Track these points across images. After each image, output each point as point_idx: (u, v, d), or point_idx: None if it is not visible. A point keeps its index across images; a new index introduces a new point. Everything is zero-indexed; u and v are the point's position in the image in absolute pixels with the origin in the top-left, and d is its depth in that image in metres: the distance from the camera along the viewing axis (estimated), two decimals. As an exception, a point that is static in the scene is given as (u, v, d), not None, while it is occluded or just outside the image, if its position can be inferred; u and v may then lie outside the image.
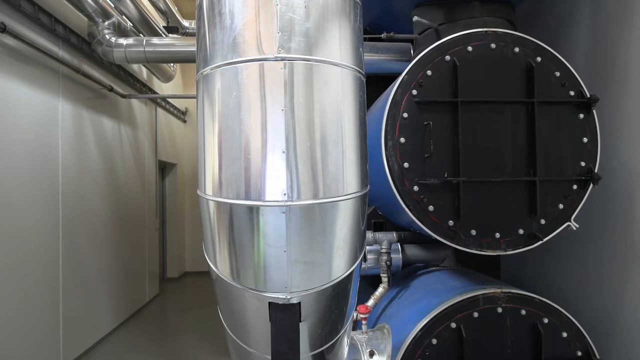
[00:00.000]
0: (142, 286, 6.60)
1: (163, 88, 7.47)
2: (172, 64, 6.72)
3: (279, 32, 1.35)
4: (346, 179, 1.43)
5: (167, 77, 6.88)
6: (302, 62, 1.36)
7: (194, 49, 4.63)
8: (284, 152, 1.31)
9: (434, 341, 2.29)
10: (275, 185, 1.32)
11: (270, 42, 1.35)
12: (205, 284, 8.21)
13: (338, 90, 1.45)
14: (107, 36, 4.81)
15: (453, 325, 2.31)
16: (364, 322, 2.39)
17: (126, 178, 6.05)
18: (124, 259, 5.86)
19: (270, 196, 1.32)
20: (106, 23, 4.80)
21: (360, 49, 1.61)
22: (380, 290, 2.73)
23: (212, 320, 5.99)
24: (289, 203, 1.32)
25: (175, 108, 8.39)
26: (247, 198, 1.33)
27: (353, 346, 2.23)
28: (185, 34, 6.35)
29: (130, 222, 6.14)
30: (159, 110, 7.57)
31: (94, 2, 4.51)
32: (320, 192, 1.37)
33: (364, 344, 2.30)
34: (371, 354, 2.30)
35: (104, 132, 5.40)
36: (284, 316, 1.36)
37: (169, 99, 7.79)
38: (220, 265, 1.51)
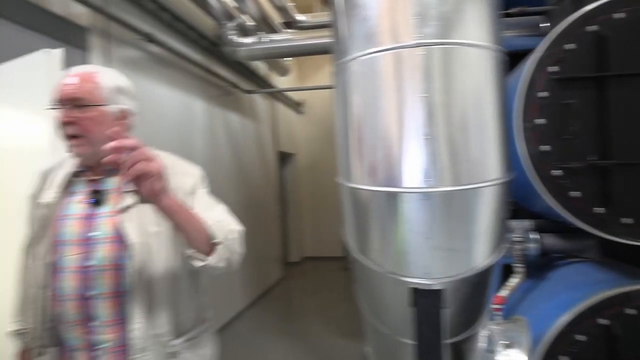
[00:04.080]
0: (268, 269, 7.07)
1: (280, 82, 7.82)
2: (288, 58, 7.01)
3: (414, 18, 1.34)
4: (488, 164, 1.38)
5: (284, 71, 7.19)
6: (439, 46, 1.34)
7: (310, 42, 4.75)
8: (424, 138, 1.31)
9: (581, 338, 2.12)
10: (415, 172, 1.32)
11: (407, 28, 1.34)
12: (324, 269, 8.52)
13: (477, 72, 1.39)
14: (232, 37, 5.17)
15: (602, 321, 2.11)
16: (498, 313, 2.29)
17: (251, 168, 6.48)
18: (253, 243, 6.30)
19: (411, 183, 1.32)
20: (231, 25, 5.15)
21: (498, 24, 1.52)
22: (514, 280, 2.59)
23: (334, 304, 6.21)
24: (429, 189, 1.31)
25: (292, 101, 8.75)
26: (387, 185, 1.35)
27: (488, 337, 2.16)
28: (300, 27, 6.56)
29: (256, 209, 6.58)
30: (278, 103, 7.96)
31: (219, 5, 4.86)
32: (461, 178, 1.34)
33: (500, 336, 2.21)
34: (507, 347, 2.20)
35: (230, 126, 5.84)
36: (427, 302, 1.36)
37: (286, 93, 8.14)
38: (361, 250, 1.55)
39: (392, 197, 1.36)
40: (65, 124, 1.35)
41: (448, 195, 1.33)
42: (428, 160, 1.32)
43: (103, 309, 1.34)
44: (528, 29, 3.57)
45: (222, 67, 5.54)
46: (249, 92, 6.36)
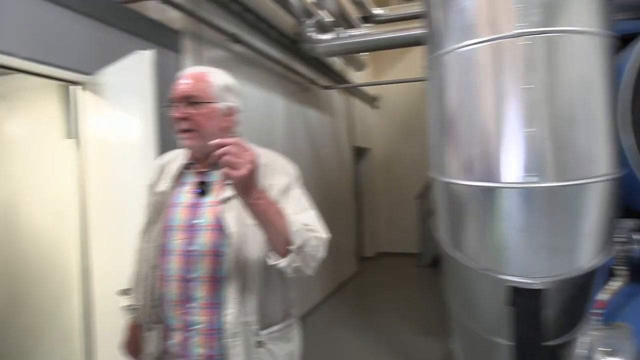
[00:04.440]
0: (343, 263, 7.13)
1: (355, 77, 7.82)
2: (365, 53, 6.99)
3: (516, 6, 1.29)
4: (597, 159, 1.30)
5: (360, 66, 7.18)
6: (543, 35, 1.27)
7: (388, 35, 4.67)
8: (525, 131, 1.25)
9: (697, 349, 1.93)
10: (515, 167, 1.27)
11: (507, 18, 1.30)
12: (399, 265, 8.44)
13: (585, 61, 1.31)
14: (311, 34, 5.25)
15: None
16: (598, 318, 2.14)
17: (327, 163, 6.56)
18: (331, 237, 6.40)
19: (511, 178, 1.28)
20: (310, 22, 5.23)
21: (607, 7, 1.42)
22: (616, 283, 2.40)
23: (410, 300, 6.14)
24: (531, 185, 1.26)
25: (368, 95, 8.72)
26: (485, 180, 1.32)
27: (587, 343, 2.03)
28: (378, 21, 6.51)
29: (332, 204, 6.66)
30: (353, 98, 7.97)
31: (299, 3, 4.95)
32: (566, 173, 1.27)
33: (600, 343, 2.07)
34: (608, 355, 2.06)
35: (308, 122, 5.95)
36: (526, 302, 1.31)
37: (361, 87, 8.13)
38: (455, 245, 1.52)
39: (490, 193, 1.32)
40: (180, 119, 1.47)
41: (552, 191, 1.27)
42: (529, 155, 1.27)
43: (200, 292, 1.44)
44: (635, 11, 3.27)
45: (300, 64, 5.65)
46: (326, 87, 6.43)
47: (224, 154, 1.19)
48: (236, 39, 3.97)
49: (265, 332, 1.46)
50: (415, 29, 5.17)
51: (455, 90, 1.38)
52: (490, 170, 1.31)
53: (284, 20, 5.19)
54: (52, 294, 3.55)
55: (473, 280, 1.50)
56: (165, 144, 3.18)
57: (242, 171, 1.18)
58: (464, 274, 1.53)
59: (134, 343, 1.67)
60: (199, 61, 3.57)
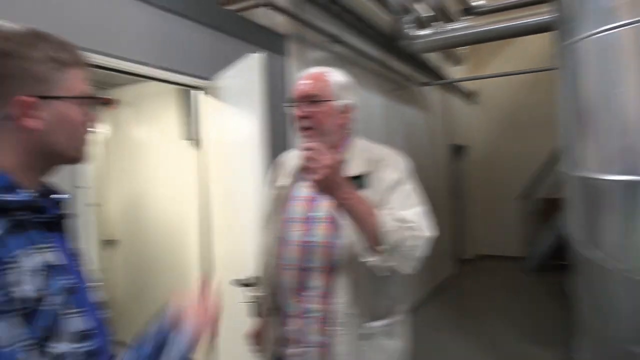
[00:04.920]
0: (441, 265, 6.94)
1: (453, 73, 7.57)
2: (463, 48, 6.74)
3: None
4: None
5: (457, 61, 6.95)
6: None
7: (490, 27, 4.44)
8: (680, 120, 1.14)
9: None
10: (668, 160, 1.16)
11: (657, -5, 1.18)
12: (501, 269, 8.02)
13: None
14: (409, 30, 5.19)
15: None
16: None
17: (424, 161, 6.42)
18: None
19: (662, 172, 1.16)
20: (407, 18, 5.17)
21: None
22: None
23: (515, 307, 5.81)
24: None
25: (465, 91, 8.40)
26: (630, 173, 1.21)
27: None
28: (478, 13, 6.25)
29: (428, 203, 6.49)
30: (450, 94, 7.73)
31: (398, 0, 4.91)
32: None
33: None
34: None
35: (406, 119, 5.88)
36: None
37: (459, 83, 7.85)
38: (590, 245, 1.42)
39: (634, 187, 1.21)
40: (300, 118, 1.55)
41: None
42: (685, 146, 1.14)
43: (316, 281, 1.51)
44: None
45: (397, 61, 5.60)
46: (424, 84, 6.30)
47: (307, 158, 1.28)
48: (336, 40, 4.04)
49: (373, 325, 1.49)
50: (518, 19, 4.89)
51: (592, 79, 1.29)
52: (635, 164, 1.20)
53: (381, 18, 5.18)
54: (174, 284, 3.88)
55: (611, 283, 1.38)
56: (275, 143, 3.35)
57: (317, 176, 1.26)
58: (600, 276, 1.41)
59: (260, 333, 1.78)
60: (303, 63, 3.69)
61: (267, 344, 1.67)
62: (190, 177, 3.50)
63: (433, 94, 7.03)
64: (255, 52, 2.49)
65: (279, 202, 1.65)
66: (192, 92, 2.96)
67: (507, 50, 8.29)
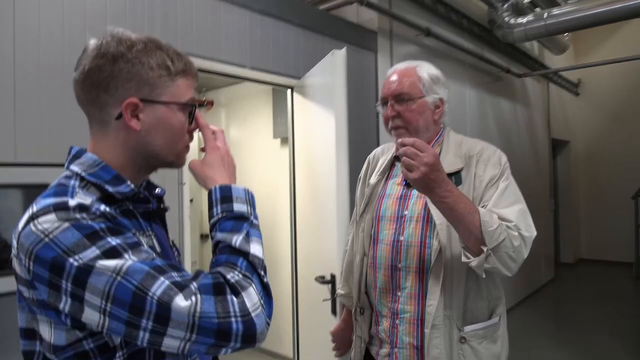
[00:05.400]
0: (538, 268, 6.49)
1: (554, 61, 7.00)
2: (566, 34, 6.18)
3: None
4: None
5: (560, 49, 6.40)
6: None
7: (594, 11, 4.01)
8: None
9: None
10: None
11: None
12: (605, 275, 7.31)
13: None
14: (506, 18, 4.87)
15: None
16: None
17: (522, 157, 6.02)
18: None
19: None
20: (505, 6, 4.85)
21: None
22: None
23: (622, 317, 5.27)
24: None
25: (567, 81, 7.74)
26: None
27: None
28: (584, -5, 5.70)
29: (527, 202, 6.09)
30: (551, 85, 7.16)
31: (494, -13, 4.63)
32: None
33: None
34: None
35: (501, 113, 5.54)
36: None
37: (560, 73, 7.24)
38: None
39: None
40: (390, 117, 1.50)
41: None
42: None
43: (408, 281, 1.46)
44: None
45: (492, 52, 5.29)
46: (521, 75, 5.90)
47: (404, 155, 1.23)
48: (428, 32, 3.91)
49: (468, 328, 1.41)
50: (628, 0, 4.35)
51: None
52: None
53: (476, 8, 4.92)
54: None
55: None
56: (366, 140, 3.33)
57: (415, 174, 1.22)
58: None
59: (345, 330, 1.77)
60: (393, 58, 3.61)
61: (354, 342, 1.66)
62: (281, 174, 3.59)
63: (533, 85, 6.56)
64: (342, 49, 2.46)
65: (371, 200, 1.62)
66: (284, 90, 3.01)
67: (615, 35, 7.50)
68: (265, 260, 0.84)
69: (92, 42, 0.83)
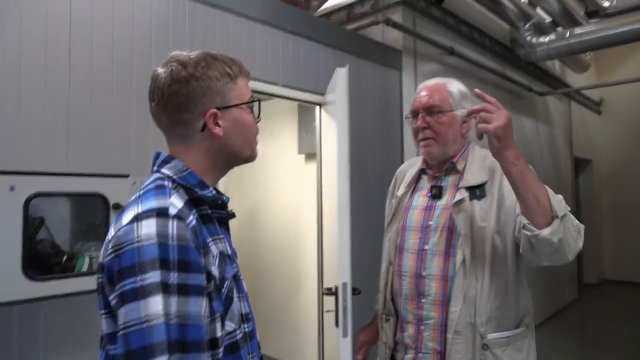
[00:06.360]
0: (561, 289, 6.40)
1: (575, 80, 7.00)
2: (588, 53, 6.19)
3: None
4: None
5: (582, 68, 6.40)
6: None
7: (616, 30, 4.04)
8: None
9: None
10: None
11: None
12: (631, 296, 7.15)
13: None
14: (528, 38, 4.91)
15: None
16: None
17: (544, 175, 5.97)
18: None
19: None
20: (526, 25, 4.90)
21: None
22: None
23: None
24: None
25: (589, 100, 7.71)
26: None
27: None
28: (606, 15, 5.72)
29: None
30: (573, 103, 7.14)
31: (516, 7, 4.68)
32: None
33: None
34: None
35: (524, 131, 5.55)
36: None
37: (583, 91, 7.23)
38: None
39: None
40: (421, 128, 1.57)
41: None
42: None
43: (432, 288, 1.50)
44: None
45: (514, 71, 5.33)
46: (543, 94, 5.91)
47: (481, 110, 1.24)
48: (452, 51, 3.97)
49: (492, 335, 1.43)
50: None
51: None
52: None
53: (498, 27, 4.99)
54: (286, 286, 4.06)
55: None
56: (391, 155, 3.38)
57: (500, 121, 1.21)
58: None
59: (370, 334, 1.81)
60: (417, 76, 3.68)
61: (379, 349, 1.70)
62: (305, 190, 3.65)
63: (555, 103, 6.56)
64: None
65: (397, 211, 1.68)
66: (310, 107, 3.09)
67: (637, 54, 7.47)
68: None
69: (161, 71, 0.91)
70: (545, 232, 1.25)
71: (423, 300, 1.52)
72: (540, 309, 5.72)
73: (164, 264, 0.75)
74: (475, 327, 1.42)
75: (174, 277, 0.75)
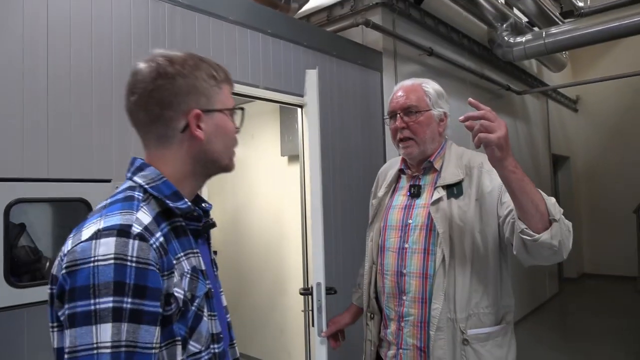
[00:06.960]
0: (542, 283, 6.53)
1: (552, 79, 7.15)
2: (564, 52, 6.34)
3: None
4: None
5: (559, 67, 6.54)
6: None
7: (592, 29, 4.17)
8: None
9: None
10: None
11: None
12: (608, 289, 7.35)
13: None
14: (506, 38, 5.01)
15: None
16: None
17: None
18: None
19: None
20: (504, 26, 4.99)
21: None
22: None
23: (630, 330, 5.29)
24: None
25: (566, 98, 7.88)
26: None
27: None
28: (580, 15, 5.86)
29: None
30: (550, 102, 7.29)
31: (493, 8, 4.77)
32: None
33: None
34: None
35: (502, 130, 5.64)
36: None
37: (559, 89, 7.39)
38: None
39: None
40: (399, 128, 1.60)
41: None
42: None
43: (412, 286, 1.54)
44: None
45: (492, 70, 5.43)
46: (520, 92, 6.03)
47: (479, 117, 1.23)
48: (431, 52, 4.03)
49: (472, 331, 1.47)
50: (624, 19, 4.50)
51: None
52: None
53: (476, 28, 5.07)
54: (270, 288, 4.07)
55: None
56: (373, 156, 3.41)
57: (501, 132, 1.21)
58: None
59: (341, 317, 1.89)
60: (398, 77, 3.72)
61: (365, 346, 1.74)
62: (288, 191, 3.66)
63: (532, 102, 6.69)
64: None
65: (379, 211, 1.72)
66: (291, 109, 3.10)
67: (610, 52, 7.67)
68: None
69: (144, 66, 0.86)
70: (545, 235, 1.26)
71: (404, 298, 1.56)
72: (523, 303, 5.83)
73: (119, 288, 0.72)
74: (455, 322, 1.46)
75: (127, 303, 0.72)
